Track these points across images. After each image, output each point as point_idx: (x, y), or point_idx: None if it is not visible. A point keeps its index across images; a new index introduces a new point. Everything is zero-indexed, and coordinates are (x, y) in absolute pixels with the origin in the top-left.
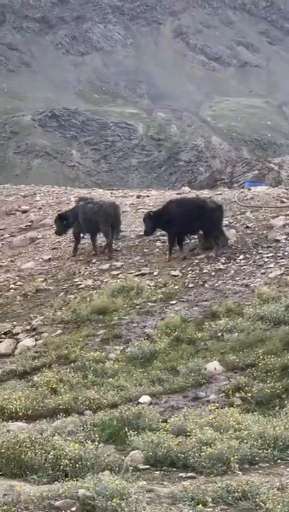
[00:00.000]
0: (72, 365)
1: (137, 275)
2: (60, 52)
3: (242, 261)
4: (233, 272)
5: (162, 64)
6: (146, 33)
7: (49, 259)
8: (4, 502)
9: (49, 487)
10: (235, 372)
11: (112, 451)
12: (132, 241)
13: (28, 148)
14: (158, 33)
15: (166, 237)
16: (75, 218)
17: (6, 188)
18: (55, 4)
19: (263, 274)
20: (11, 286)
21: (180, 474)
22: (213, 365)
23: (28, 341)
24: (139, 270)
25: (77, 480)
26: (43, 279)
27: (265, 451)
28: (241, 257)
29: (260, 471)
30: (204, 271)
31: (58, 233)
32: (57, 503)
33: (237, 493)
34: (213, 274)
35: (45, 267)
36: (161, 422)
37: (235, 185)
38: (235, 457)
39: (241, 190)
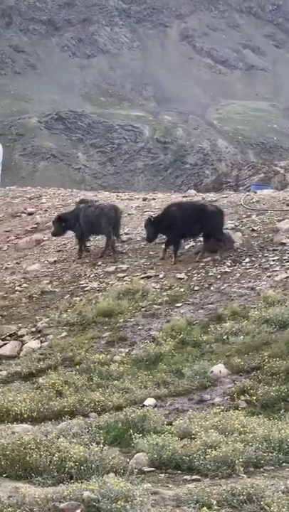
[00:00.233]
0: (77, 367)
1: (143, 278)
2: (66, 54)
3: (248, 264)
4: (238, 274)
5: (168, 67)
6: (153, 36)
7: (55, 261)
8: (9, 504)
9: (54, 489)
10: (241, 375)
11: (117, 454)
12: (138, 243)
13: (34, 150)
14: (164, 36)
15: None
16: (76, 220)
17: (12, 190)
18: (61, 7)
19: (269, 277)
20: (17, 288)
21: (185, 477)
22: (219, 368)
23: (33, 343)
24: (145, 273)
25: (82, 482)
26: (48, 281)
27: (270, 454)
28: (247, 260)
29: (265, 474)
30: (210, 274)
31: (55, 234)
32: (61, 505)
33: (242, 496)
34: (218, 276)
35: (50, 269)
36: (166, 424)
37: (241, 188)
38: (240, 460)
39: (247, 193)
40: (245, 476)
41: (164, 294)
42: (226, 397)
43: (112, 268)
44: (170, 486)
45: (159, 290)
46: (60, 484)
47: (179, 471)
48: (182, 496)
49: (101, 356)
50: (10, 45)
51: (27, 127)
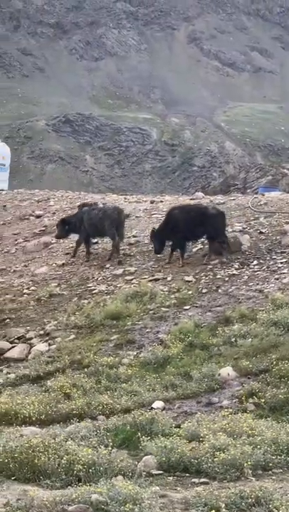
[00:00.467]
0: (85, 370)
1: (151, 280)
2: (74, 57)
3: (255, 266)
4: (246, 277)
5: (176, 69)
6: (161, 39)
7: (63, 264)
8: (18, 507)
9: (62, 492)
10: (249, 378)
11: (125, 457)
12: (146, 246)
13: (42, 153)
14: (172, 39)
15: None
16: (80, 224)
17: (20, 193)
18: (69, 10)
19: (277, 279)
20: (25, 291)
21: (193, 480)
22: (227, 371)
23: (41, 346)
24: (153, 275)
25: (90, 485)
26: (56, 284)
27: (279, 457)
28: (255, 262)
29: (273, 477)
30: (218, 276)
31: (58, 237)
32: (70, 508)
33: (250, 499)
34: (226, 279)
35: (58, 272)
36: (175, 427)
37: (248, 190)
38: (249, 463)
39: (255, 195)
40: (253, 479)
41: (172, 296)
42: (234, 400)
43: (120, 271)
44: (178, 489)
45: (167, 293)
46: (69, 487)
47: (187, 474)
48: (190, 499)
49: (109, 359)
50: (18, 48)
51: (35, 130)
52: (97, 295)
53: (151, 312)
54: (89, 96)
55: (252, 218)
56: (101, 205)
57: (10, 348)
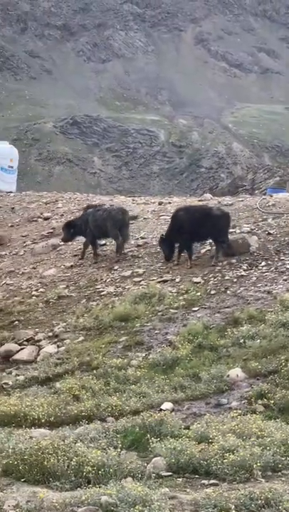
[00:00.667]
0: (94, 371)
1: (159, 282)
2: (81, 59)
3: (264, 267)
4: (255, 278)
5: (183, 71)
6: (168, 40)
7: (71, 266)
8: (27, 508)
9: (72, 494)
10: (258, 379)
11: (135, 458)
12: (154, 248)
13: (50, 155)
14: (179, 40)
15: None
16: (85, 226)
17: (28, 195)
18: (76, 12)
19: (285, 280)
20: (33, 293)
21: (203, 481)
22: (236, 372)
23: (50, 348)
24: (161, 277)
25: (99, 487)
26: (65, 286)
27: (288, 458)
28: (263, 263)
29: (283, 479)
30: (226, 277)
31: (64, 240)
32: (79, 510)
33: (260, 501)
34: (235, 280)
35: (67, 274)
36: (184, 428)
37: (256, 191)
38: (258, 464)
39: (263, 196)
40: (263, 480)
41: (181, 298)
42: (243, 401)
43: (128, 272)
44: (188, 490)
45: (175, 294)
46: (78, 489)
47: (197, 476)
48: (200, 500)
49: (118, 361)
50: (25, 50)
51: (42, 132)
52: (106, 297)
53: (159, 314)
54: (96, 98)
55: (260, 219)
56: (106, 206)
57: (19, 350)
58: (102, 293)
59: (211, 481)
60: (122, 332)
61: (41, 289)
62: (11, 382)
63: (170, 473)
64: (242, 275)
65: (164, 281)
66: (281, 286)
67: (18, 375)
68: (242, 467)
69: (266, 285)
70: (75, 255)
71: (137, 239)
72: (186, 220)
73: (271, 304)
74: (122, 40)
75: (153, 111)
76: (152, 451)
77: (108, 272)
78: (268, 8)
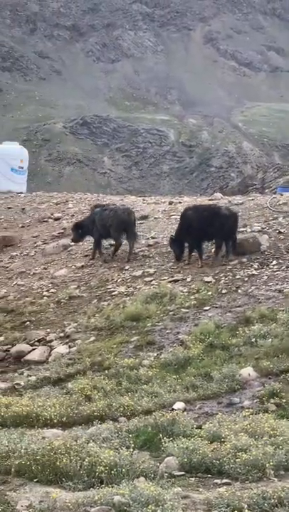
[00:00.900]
0: (106, 371)
1: (170, 281)
2: (90, 59)
3: (275, 266)
4: (266, 277)
5: (193, 70)
6: (177, 40)
7: (82, 266)
8: (40, 509)
9: (84, 494)
10: (270, 378)
11: (147, 458)
12: (165, 247)
13: (60, 155)
14: (188, 39)
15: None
16: (93, 225)
17: (38, 196)
18: (85, 12)
19: None
20: (45, 293)
21: (215, 481)
22: (247, 371)
23: (61, 348)
24: (172, 276)
25: (112, 487)
26: (76, 286)
27: None
28: (274, 262)
29: None
30: (237, 277)
31: (74, 241)
32: (92, 510)
33: (273, 500)
34: (246, 279)
35: (78, 274)
36: (196, 428)
37: (266, 190)
38: (271, 463)
39: (273, 195)
40: (275, 479)
41: (192, 297)
42: (255, 400)
43: (139, 272)
44: (200, 490)
45: (186, 294)
46: (91, 489)
47: (209, 475)
48: (213, 499)
49: (130, 360)
50: (35, 51)
51: (52, 133)
52: (117, 297)
53: (171, 313)
54: (106, 98)
55: (271, 218)
56: (112, 206)
57: (30, 351)
58: (113, 293)
59: (224, 481)
60: (134, 332)
61: (52, 290)
62: (22, 383)
63: (183, 473)
64: (253, 274)
65: (175, 281)
66: None
67: (30, 376)
68: (255, 466)
69: (277, 284)
70: (86, 255)
71: (148, 239)
72: (194, 219)
73: (282, 302)
74: (131, 40)
75: (163, 110)
76: (165, 450)
77: (119, 271)
78: (277, 6)
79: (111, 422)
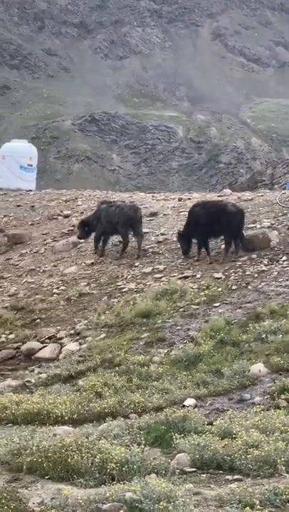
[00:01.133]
0: (116, 368)
1: (180, 278)
2: (98, 56)
3: (285, 262)
4: (276, 273)
5: (201, 66)
6: (185, 36)
7: (92, 263)
8: (52, 505)
9: (96, 490)
10: (280, 374)
11: (158, 455)
12: (174, 244)
13: (69, 153)
14: (196, 36)
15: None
16: (98, 221)
17: (47, 193)
18: (93, 9)
19: None
20: (55, 290)
21: (227, 477)
22: (258, 367)
23: (72, 345)
24: (182, 273)
25: (123, 483)
26: (86, 283)
27: None
28: (284, 258)
29: None
30: (247, 273)
31: (80, 238)
32: (104, 507)
33: (285, 496)
34: (256, 275)
35: (88, 271)
36: (207, 424)
37: (276, 186)
38: (282, 459)
39: (283, 191)
40: (287, 475)
41: (202, 293)
42: (266, 396)
43: (149, 269)
44: (212, 486)
45: (196, 290)
46: (102, 485)
47: (221, 471)
48: (224, 496)
49: (140, 357)
50: (43, 48)
51: (61, 130)
52: (127, 293)
53: (181, 310)
54: (114, 95)
55: (280, 214)
56: (119, 203)
57: (41, 348)
58: (123, 290)
59: (235, 477)
60: (144, 329)
61: (62, 287)
62: (33, 380)
63: (194, 469)
64: (263, 270)
65: (185, 277)
66: None
67: (41, 373)
68: (266, 462)
69: (287, 280)
70: (96, 252)
71: (157, 235)
72: (201, 216)
73: None
74: (139, 36)
75: (171, 107)
76: (176, 447)
77: (129, 268)
78: (285, 1)
79: (122, 418)
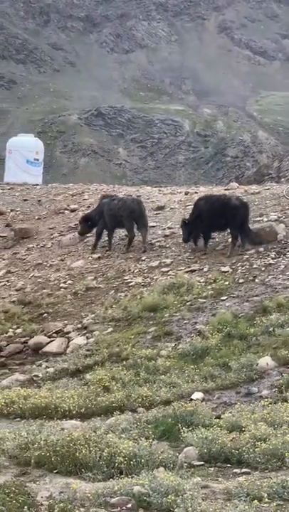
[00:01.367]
0: (124, 362)
1: (187, 271)
2: (104, 50)
3: None
4: (283, 266)
5: (207, 60)
6: (191, 29)
7: (99, 257)
8: (60, 499)
9: (104, 484)
10: (288, 367)
11: (166, 448)
12: (181, 237)
13: (75, 147)
14: (202, 29)
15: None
16: (100, 216)
17: (54, 187)
18: (98, 3)
19: None
20: (62, 285)
21: (235, 470)
22: (266, 361)
23: (79, 340)
24: (189, 267)
25: (132, 477)
26: (93, 278)
27: None
28: None
29: None
30: (254, 266)
31: (81, 233)
32: (113, 500)
33: None
34: (263, 269)
35: (94, 266)
36: (215, 418)
37: (282, 179)
38: None
39: None
40: None
41: (209, 287)
42: (273, 390)
43: (156, 263)
44: (220, 479)
45: (203, 284)
46: (110, 479)
47: (229, 465)
48: (232, 489)
49: (147, 351)
50: (48, 43)
51: (67, 124)
52: (134, 287)
53: (188, 303)
54: (120, 89)
55: (287, 207)
56: (121, 196)
57: (48, 343)
58: (130, 284)
59: (243, 470)
60: (151, 322)
61: (69, 281)
62: (41, 375)
63: (202, 463)
64: (270, 263)
65: (192, 271)
66: None
67: (48, 368)
68: (274, 455)
69: None
70: (103, 246)
71: (164, 229)
72: (205, 210)
73: None
74: (145, 30)
75: (177, 101)
76: (184, 440)
77: (136, 262)
78: None
79: (130, 412)
